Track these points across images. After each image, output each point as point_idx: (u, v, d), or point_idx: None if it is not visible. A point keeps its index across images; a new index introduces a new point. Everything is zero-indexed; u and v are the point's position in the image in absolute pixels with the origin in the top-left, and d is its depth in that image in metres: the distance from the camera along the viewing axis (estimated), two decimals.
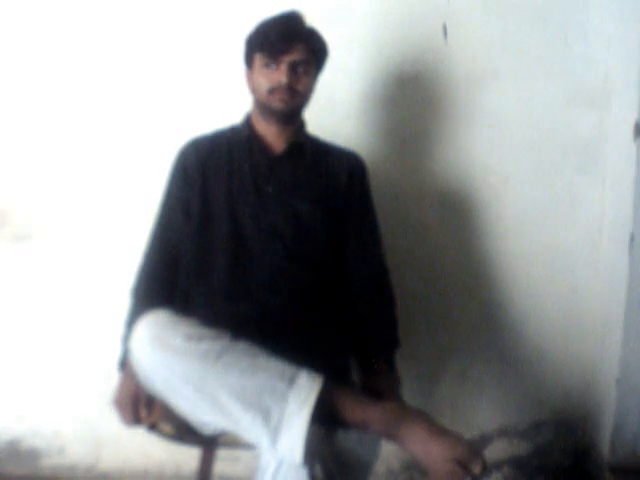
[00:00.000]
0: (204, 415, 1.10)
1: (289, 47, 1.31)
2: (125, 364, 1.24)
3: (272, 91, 1.32)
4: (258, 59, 1.34)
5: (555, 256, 1.77)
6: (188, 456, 1.38)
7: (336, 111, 1.70)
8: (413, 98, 1.72)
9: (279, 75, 1.31)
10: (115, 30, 1.69)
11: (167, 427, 1.20)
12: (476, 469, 1.01)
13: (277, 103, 1.32)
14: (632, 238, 1.61)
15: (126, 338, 1.23)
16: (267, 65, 1.32)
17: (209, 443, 1.25)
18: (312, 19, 1.38)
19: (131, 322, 1.22)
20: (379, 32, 1.70)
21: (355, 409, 1.09)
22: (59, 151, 1.72)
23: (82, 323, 1.75)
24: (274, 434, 1.03)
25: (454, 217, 1.76)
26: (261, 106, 1.36)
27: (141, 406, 1.22)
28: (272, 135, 1.38)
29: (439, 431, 1.05)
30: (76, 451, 1.79)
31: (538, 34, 1.71)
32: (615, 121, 1.70)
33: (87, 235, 1.73)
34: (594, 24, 1.71)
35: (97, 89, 1.70)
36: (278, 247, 1.33)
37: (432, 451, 1.02)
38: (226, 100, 1.63)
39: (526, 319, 1.78)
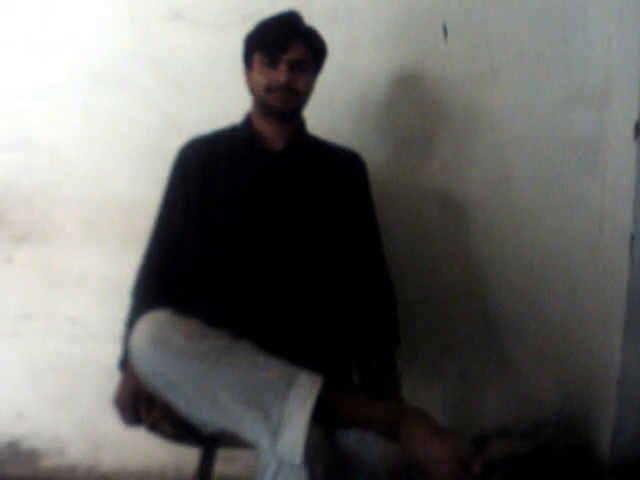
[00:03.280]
0: (204, 415, 1.10)
1: (288, 46, 1.31)
2: (125, 364, 1.24)
3: (271, 90, 1.32)
4: (257, 58, 1.34)
5: (555, 256, 1.77)
6: (188, 456, 1.38)
7: (336, 111, 1.70)
8: (413, 98, 1.72)
9: (278, 74, 1.31)
10: (116, 28, 1.69)
11: (167, 427, 1.20)
12: (477, 469, 1.01)
13: (276, 102, 1.33)
14: (632, 238, 1.61)
15: (126, 338, 1.22)
16: (266, 64, 1.32)
17: (209, 443, 1.25)
18: (312, 19, 1.38)
19: (131, 322, 1.21)
20: (379, 32, 1.70)
21: (355, 409, 1.09)
22: (59, 151, 1.72)
23: (82, 322, 1.75)
24: (274, 434, 1.03)
25: (454, 217, 1.76)
26: (260, 105, 1.37)
27: (141, 406, 1.21)
28: (272, 134, 1.38)
29: (440, 431, 1.05)
30: (76, 452, 1.79)
31: (538, 34, 1.71)
32: (615, 121, 1.70)
33: (87, 235, 1.73)
34: (594, 24, 1.71)
35: (97, 89, 1.70)
36: (278, 246, 1.33)
37: (433, 451, 1.02)
38: (226, 100, 1.63)
39: (526, 319, 1.78)
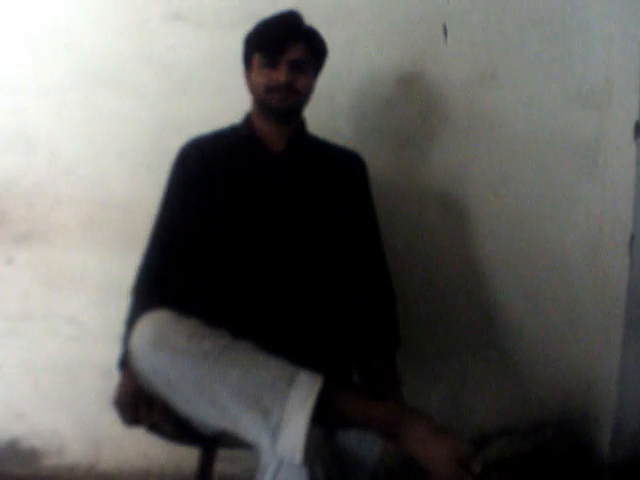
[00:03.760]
0: (204, 415, 1.10)
1: (288, 46, 1.31)
2: (125, 364, 1.24)
3: (271, 90, 1.32)
4: (257, 58, 1.34)
5: (555, 256, 1.77)
6: (188, 456, 1.38)
7: (336, 111, 1.70)
8: (413, 98, 1.73)
9: (278, 74, 1.31)
10: (116, 28, 1.69)
11: (167, 427, 1.20)
12: (477, 469, 1.01)
13: (276, 102, 1.33)
14: (632, 238, 1.61)
15: (126, 338, 1.22)
16: (266, 64, 1.32)
17: (209, 443, 1.25)
18: (312, 19, 1.38)
19: (131, 322, 1.21)
20: (379, 32, 1.70)
21: (355, 409, 1.09)
22: (59, 151, 1.72)
23: (82, 322, 1.75)
24: (274, 434, 1.03)
25: (454, 217, 1.76)
26: (260, 105, 1.37)
27: (141, 406, 1.21)
28: (272, 134, 1.38)
29: (440, 431, 1.04)
30: (76, 451, 1.79)
31: (538, 34, 1.72)
32: (615, 121, 1.70)
33: (87, 235, 1.73)
34: (594, 24, 1.71)
35: (97, 89, 1.70)
36: (278, 246, 1.33)
37: (433, 451, 1.02)
38: (226, 100, 1.63)
39: (526, 319, 1.78)
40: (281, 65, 1.31)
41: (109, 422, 1.31)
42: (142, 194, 1.66)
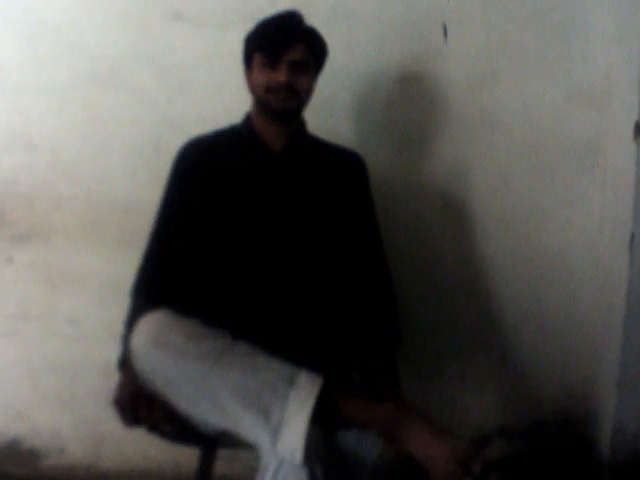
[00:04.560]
0: (204, 415, 1.10)
1: (288, 46, 1.31)
2: (125, 364, 1.24)
3: (271, 90, 1.32)
4: (257, 58, 1.34)
5: (555, 256, 1.77)
6: (188, 456, 1.38)
7: (336, 111, 1.70)
8: (413, 98, 1.72)
9: (278, 74, 1.31)
10: (116, 28, 1.69)
11: (167, 427, 1.20)
12: (476, 469, 1.01)
13: (276, 102, 1.33)
14: (632, 238, 1.60)
15: (126, 338, 1.22)
16: (266, 64, 1.32)
17: (209, 443, 1.25)
18: (312, 19, 1.38)
19: (131, 322, 1.21)
20: (379, 32, 1.70)
21: (355, 409, 1.09)
22: (59, 151, 1.72)
23: (82, 322, 1.75)
24: (274, 434, 1.04)
25: (454, 217, 1.76)
26: (260, 105, 1.37)
27: (141, 406, 1.21)
28: (272, 134, 1.38)
29: (439, 431, 1.05)
30: (76, 451, 1.79)
31: (538, 34, 1.71)
32: (615, 121, 1.70)
33: (87, 235, 1.73)
34: (594, 24, 1.71)
35: (97, 89, 1.70)
36: (278, 246, 1.33)
37: (432, 451, 1.03)
38: (226, 100, 1.63)
39: (526, 319, 1.78)
40: (281, 66, 1.31)
41: (109, 422, 1.31)
42: (142, 194, 1.66)
